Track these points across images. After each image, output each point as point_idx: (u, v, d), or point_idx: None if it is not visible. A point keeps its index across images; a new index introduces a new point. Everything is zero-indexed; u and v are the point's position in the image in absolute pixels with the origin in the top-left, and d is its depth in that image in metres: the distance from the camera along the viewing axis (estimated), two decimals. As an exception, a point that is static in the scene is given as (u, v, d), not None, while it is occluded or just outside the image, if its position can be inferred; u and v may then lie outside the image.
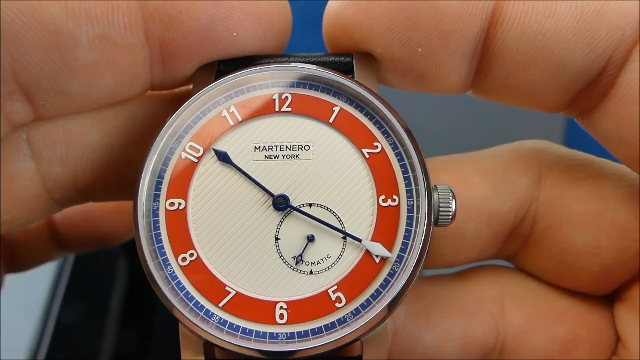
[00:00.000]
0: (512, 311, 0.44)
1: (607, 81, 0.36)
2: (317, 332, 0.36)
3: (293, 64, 0.39)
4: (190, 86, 0.42)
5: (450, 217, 0.38)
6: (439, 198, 0.38)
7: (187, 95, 0.42)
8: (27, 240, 0.55)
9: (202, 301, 0.36)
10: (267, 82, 0.39)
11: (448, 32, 0.36)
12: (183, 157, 0.38)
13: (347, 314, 0.36)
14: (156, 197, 0.38)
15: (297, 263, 0.37)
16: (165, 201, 0.38)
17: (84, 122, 0.40)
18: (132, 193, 0.38)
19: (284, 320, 0.36)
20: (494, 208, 0.43)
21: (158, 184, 0.38)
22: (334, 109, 0.39)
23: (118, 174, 0.42)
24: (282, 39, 0.40)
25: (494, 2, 0.35)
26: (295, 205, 0.38)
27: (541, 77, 0.37)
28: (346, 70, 0.40)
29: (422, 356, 0.43)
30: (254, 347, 0.35)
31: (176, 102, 0.42)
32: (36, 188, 0.39)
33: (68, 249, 0.59)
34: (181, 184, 0.38)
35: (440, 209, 0.37)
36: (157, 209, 0.38)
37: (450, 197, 0.38)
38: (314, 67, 0.39)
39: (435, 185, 0.38)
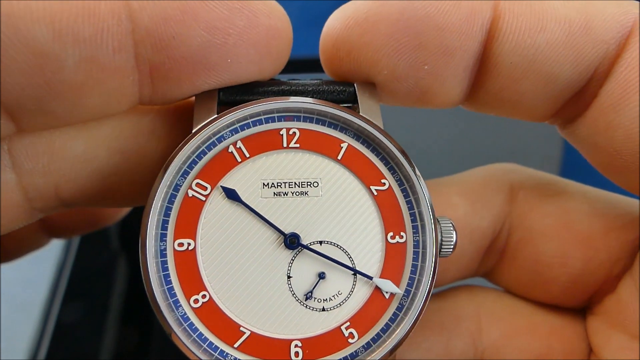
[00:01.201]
0: (489, 328, 0.46)
1: (591, 92, 0.38)
2: None
3: (299, 98, 0.39)
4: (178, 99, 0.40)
5: (452, 248, 0.39)
6: (441, 231, 0.38)
7: (177, 106, 0.41)
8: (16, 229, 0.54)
9: (217, 342, 0.37)
10: (273, 115, 0.39)
11: (452, 49, 0.37)
12: (190, 195, 0.38)
13: (359, 349, 0.37)
14: (163, 237, 0.38)
15: (307, 299, 0.38)
16: (174, 241, 0.38)
17: (67, 133, 0.38)
18: (115, 202, 0.37)
19: (299, 358, 0.37)
20: (475, 224, 0.45)
21: (164, 223, 0.38)
22: (342, 145, 0.39)
23: (102, 184, 0.41)
24: (280, 63, 0.39)
25: (491, 18, 0.36)
26: (305, 244, 0.38)
27: (532, 89, 0.38)
28: (349, 100, 0.40)
29: None
30: None
31: (165, 113, 0.41)
32: (17, 199, 0.38)
33: (58, 234, 0.58)
34: (189, 223, 0.38)
35: (443, 241, 0.38)
36: (165, 249, 0.37)
37: (452, 229, 0.39)
38: (319, 101, 0.39)
39: (437, 218, 0.39)
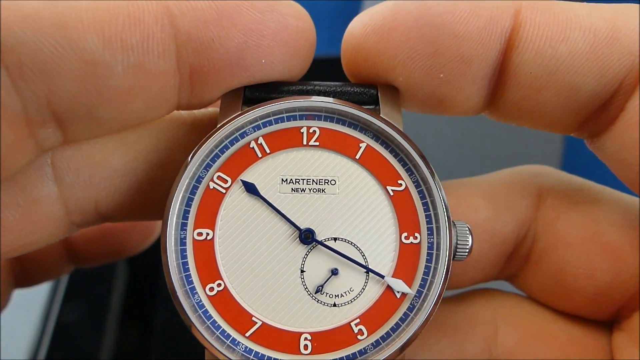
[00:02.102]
0: (505, 333, 0.45)
1: (617, 105, 0.37)
2: None
3: (321, 98, 0.40)
4: (211, 108, 0.42)
5: (467, 252, 0.39)
6: (457, 234, 0.39)
7: (209, 119, 0.42)
8: (40, 255, 0.54)
9: (229, 330, 0.37)
10: (295, 114, 0.40)
11: (469, 58, 0.36)
12: (211, 187, 0.39)
13: (368, 346, 0.38)
14: (184, 226, 0.39)
15: (317, 292, 0.38)
16: (193, 230, 0.38)
17: (107, 147, 0.40)
18: (152, 215, 0.39)
19: (308, 351, 0.37)
20: (497, 229, 0.44)
21: (185, 213, 0.39)
22: (360, 145, 0.40)
23: (140, 198, 0.42)
24: (306, 62, 0.40)
25: (511, 27, 0.36)
26: (320, 240, 0.39)
27: (554, 100, 0.38)
28: (371, 101, 0.41)
29: None
30: None
31: (198, 127, 0.42)
32: (58, 212, 0.39)
33: (82, 263, 0.58)
34: (209, 214, 0.39)
35: (458, 245, 0.39)
36: (185, 238, 0.38)
37: (468, 233, 0.39)
38: (341, 102, 0.40)
39: (453, 222, 0.40)
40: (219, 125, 0.39)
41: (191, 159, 0.38)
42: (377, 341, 0.38)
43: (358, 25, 0.39)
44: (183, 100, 0.38)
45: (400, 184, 0.40)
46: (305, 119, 0.40)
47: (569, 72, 0.36)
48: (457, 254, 0.39)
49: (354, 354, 0.37)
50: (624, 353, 0.42)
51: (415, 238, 0.39)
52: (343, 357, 0.37)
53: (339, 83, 0.41)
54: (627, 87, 0.36)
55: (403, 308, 0.38)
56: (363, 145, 0.40)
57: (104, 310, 0.84)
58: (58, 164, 0.39)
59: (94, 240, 0.56)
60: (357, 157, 0.40)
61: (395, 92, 0.41)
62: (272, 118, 0.40)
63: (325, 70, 0.42)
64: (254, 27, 0.36)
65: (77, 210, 0.41)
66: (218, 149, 0.40)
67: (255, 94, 0.40)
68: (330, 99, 0.40)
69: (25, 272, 0.53)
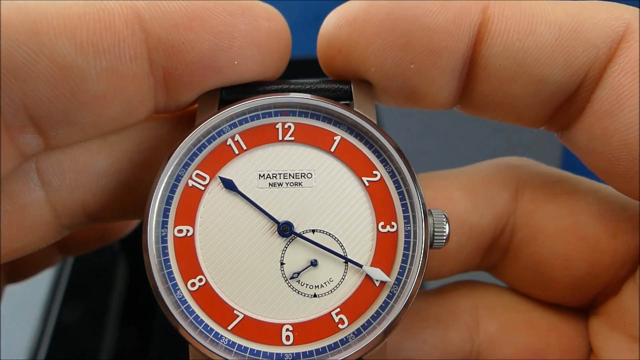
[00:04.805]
0: (486, 321, 0.46)
1: (583, 97, 0.38)
2: (321, 352, 0.38)
3: (295, 94, 0.40)
4: (191, 107, 0.43)
5: (444, 240, 0.40)
6: (433, 222, 0.40)
7: (189, 117, 0.43)
8: None
9: (212, 324, 0.38)
10: (270, 111, 0.41)
11: (439, 50, 0.38)
12: (190, 185, 0.40)
13: (349, 335, 0.38)
14: (164, 224, 0.39)
15: (291, 278, 0.39)
16: (174, 228, 0.39)
17: (91, 149, 0.41)
18: (140, 214, 0.39)
19: (290, 342, 0.38)
20: (475, 222, 0.45)
21: (166, 211, 0.39)
22: (335, 138, 0.41)
23: (127, 197, 0.43)
24: (282, 63, 0.41)
25: (479, 21, 0.37)
26: (299, 232, 0.39)
27: (522, 92, 0.39)
28: (345, 97, 0.42)
29: None
30: None
31: (179, 125, 0.43)
32: (46, 216, 0.40)
33: (70, 252, 0.59)
34: (188, 211, 0.40)
35: (435, 233, 0.40)
36: (166, 236, 0.39)
37: (444, 221, 0.40)
38: (314, 97, 0.40)
39: (430, 210, 0.40)
40: (196, 125, 0.40)
41: (169, 158, 0.39)
42: (358, 330, 0.38)
43: (333, 19, 0.40)
44: (160, 104, 0.39)
45: (375, 175, 0.40)
46: (281, 115, 0.41)
47: (535, 63, 0.37)
48: (434, 241, 0.40)
49: (335, 343, 0.38)
50: (601, 337, 0.43)
51: (392, 227, 0.40)
52: (325, 346, 0.38)
53: (315, 80, 0.42)
54: (592, 78, 0.37)
55: (383, 296, 0.39)
56: (337, 139, 0.41)
57: (104, 310, 0.85)
58: (43, 169, 0.40)
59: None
60: (332, 150, 0.40)
61: (368, 87, 0.41)
62: (247, 116, 0.41)
63: (309, 71, 0.43)
64: (224, 30, 0.36)
65: (65, 213, 0.42)
66: (196, 147, 0.40)
67: (232, 95, 0.41)
68: (305, 95, 0.40)
69: (15, 267, 0.54)
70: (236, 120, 0.41)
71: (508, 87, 0.39)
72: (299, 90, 0.41)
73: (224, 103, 0.41)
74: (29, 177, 0.39)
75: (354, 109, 0.41)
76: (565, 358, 0.45)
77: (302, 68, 0.43)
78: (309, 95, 0.40)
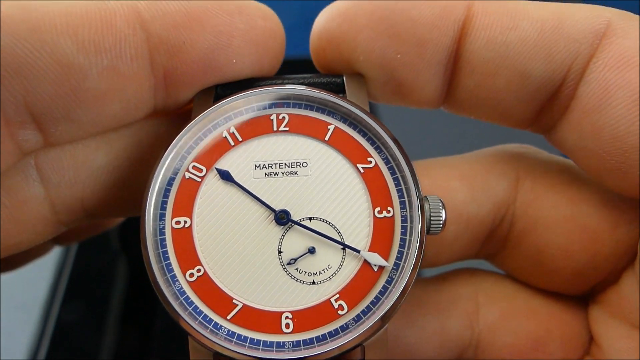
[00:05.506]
0: (486, 308, 0.47)
1: (567, 93, 0.38)
2: (321, 339, 0.38)
3: (289, 86, 0.41)
4: (188, 106, 0.43)
5: (441, 225, 0.40)
6: (430, 208, 0.40)
7: (187, 116, 0.43)
8: None
9: (211, 314, 0.38)
10: (265, 103, 0.41)
11: (424, 41, 0.39)
12: (187, 177, 0.40)
13: (349, 321, 0.38)
14: (162, 217, 0.39)
15: (288, 264, 0.39)
16: (171, 220, 0.39)
17: (90, 146, 0.41)
18: (137, 210, 0.40)
19: (290, 330, 0.38)
20: (473, 212, 0.45)
21: (163, 204, 0.40)
22: (329, 127, 0.41)
23: (125, 194, 0.43)
24: (277, 60, 0.42)
25: (464, 16, 0.38)
26: (296, 220, 0.40)
27: (507, 87, 0.39)
28: (338, 90, 0.42)
29: (404, 353, 0.46)
30: (262, 357, 0.37)
31: (177, 123, 0.43)
32: (45, 212, 0.41)
33: (62, 241, 0.59)
34: (186, 203, 0.40)
35: (431, 218, 0.40)
36: (163, 228, 0.39)
37: (441, 207, 0.40)
38: (308, 88, 0.41)
39: (426, 196, 0.41)
40: (193, 121, 0.40)
41: (165, 152, 0.40)
42: (358, 315, 0.39)
43: (325, 14, 0.41)
44: (159, 103, 0.39)
45: (370, 161, 0.41)
46: (275, 107, 0.41)
47: (518, 58, 0.38)
48: (431, 227, 0.40)
49: (335, 329, 0.38)
50: (601, 324, 0.44)
51: (389, 212, 0.40)
52: (325, 333, 0.38)
53: (308, 75, 0.43)
54: (575, 73, 0.38)
55: (382, 281, 0.39)
56: (331, 127, 0.41)
57: (104, 310, 0.85)
58: (42, 165, 0.40)
59: None
60: (327, 138, 0.41)
61: (360, 80, 0.42)
62: (242, 108, 0.41)
63: (303, 71, 0.44)
64: (223, 29, 0.37)
65: (64, 209, 0.42)
66: (192, 140, 0.41)
67: (227, 91, 0.41)
68: (296, 85, 0.41)
69: (7, 256, 0.54)
70: (231, 113, 0.41)
71: (492, 82, 0.39)
72: (293, 84, 0.42)
73: (219, 98, 0.41)
74: (28, 173, 0.39)
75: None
76: (566, 345, 0.45)
77: (296, 68, 0.43)
78: (303, 86, 0.41)
